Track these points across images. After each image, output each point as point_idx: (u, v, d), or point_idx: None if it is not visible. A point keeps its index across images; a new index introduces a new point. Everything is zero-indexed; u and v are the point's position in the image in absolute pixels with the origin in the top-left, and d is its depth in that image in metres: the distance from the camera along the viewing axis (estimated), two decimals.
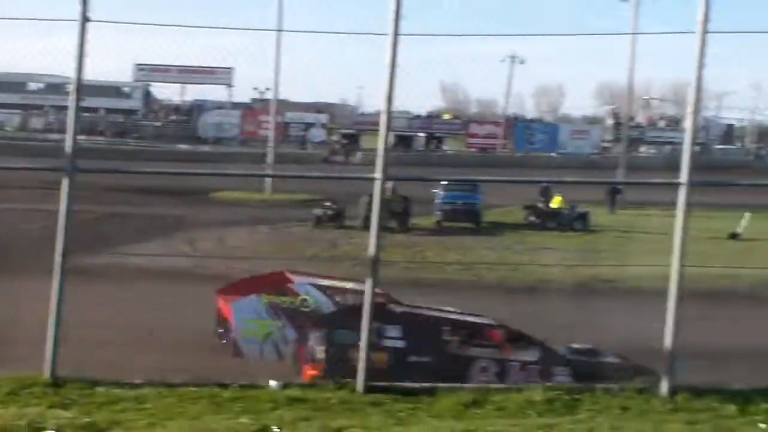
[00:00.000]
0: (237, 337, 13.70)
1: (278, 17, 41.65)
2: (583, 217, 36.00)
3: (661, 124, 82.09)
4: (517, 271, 24.85)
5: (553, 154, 72.74)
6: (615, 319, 17.10)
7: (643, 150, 75.63)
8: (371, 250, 9.90)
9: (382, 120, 9.89)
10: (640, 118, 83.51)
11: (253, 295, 13.78)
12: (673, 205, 10.06)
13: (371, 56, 10.89)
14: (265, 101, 63.98)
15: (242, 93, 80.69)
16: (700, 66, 9.79)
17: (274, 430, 8.39)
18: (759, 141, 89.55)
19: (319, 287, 14.07)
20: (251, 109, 76.00)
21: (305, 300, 13.72)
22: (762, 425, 9.11)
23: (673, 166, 10.10)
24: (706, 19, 9.66)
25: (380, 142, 9.96)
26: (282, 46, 43.04)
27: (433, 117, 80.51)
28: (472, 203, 35.92)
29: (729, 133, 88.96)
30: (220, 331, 14.04)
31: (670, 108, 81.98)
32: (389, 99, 9.75)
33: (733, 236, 33.97)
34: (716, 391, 9.98)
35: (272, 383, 9.78)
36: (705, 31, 9.67)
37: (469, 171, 48.59)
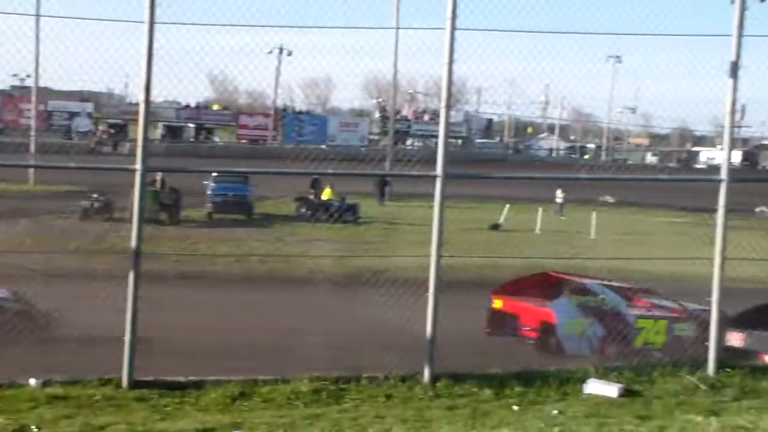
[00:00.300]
0: (560, 335, 14.67)
1: (36, 1, 39.71)
2: (353, 208, 36.54)
3: (426, 117, 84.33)
4: (289, 263, 24.95)
5: (322, 146, 73.41)
6: (380, 310, 17.42)
7: (410, 143, 77.59)
8: (133, 242, 9.77)
9: (141, 110, 9.76)
10: (407, 112, 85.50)
11: (563, 296, 15.01)
12: None
13: (134, 45, 10.68)
14: (25, 89, 61.32)
15: (1, 80, 76.77)
16: (450, 61, 10.20)
17: (33, 429, 8.14)
18: (516, 135, 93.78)
19: (608, 287, 15.39)
20: (11, 97, 72.77)
21: (604, 299, 14.97)
22: (515, 407, 9.62)
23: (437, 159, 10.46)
24: (454, 16, 10.09)
25: (139, 133, 9.81)
26: (43, 32, 41.08)
27: (202, 108, 79.43)
28: (243, 195, 35.86)
29: (489, 128, 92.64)
30: (499, 326, 15.25)
31: (435, 102, 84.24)
32: (147, 88, 9.63)
33: (495, 227, 35.43)
34: (475, 377, 10.44)
35: (32, 381, 9.46)
36: (453, 28, 10.10)
37: (240, 162, 48.24)
